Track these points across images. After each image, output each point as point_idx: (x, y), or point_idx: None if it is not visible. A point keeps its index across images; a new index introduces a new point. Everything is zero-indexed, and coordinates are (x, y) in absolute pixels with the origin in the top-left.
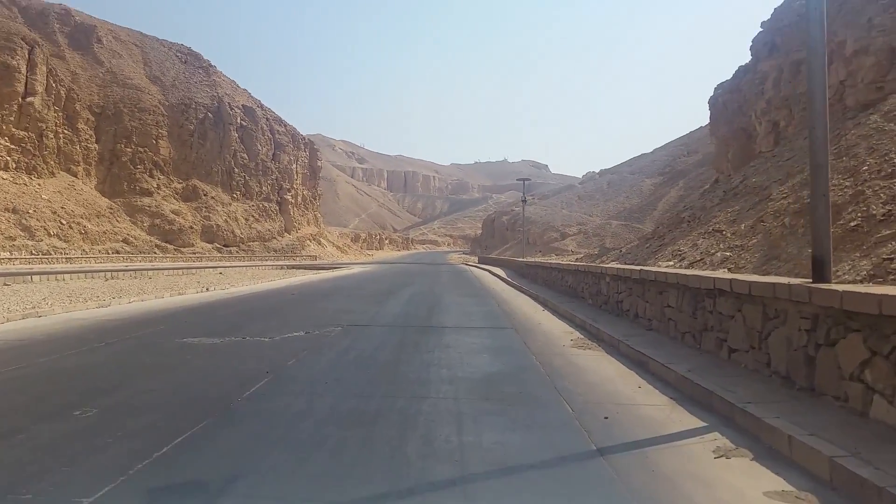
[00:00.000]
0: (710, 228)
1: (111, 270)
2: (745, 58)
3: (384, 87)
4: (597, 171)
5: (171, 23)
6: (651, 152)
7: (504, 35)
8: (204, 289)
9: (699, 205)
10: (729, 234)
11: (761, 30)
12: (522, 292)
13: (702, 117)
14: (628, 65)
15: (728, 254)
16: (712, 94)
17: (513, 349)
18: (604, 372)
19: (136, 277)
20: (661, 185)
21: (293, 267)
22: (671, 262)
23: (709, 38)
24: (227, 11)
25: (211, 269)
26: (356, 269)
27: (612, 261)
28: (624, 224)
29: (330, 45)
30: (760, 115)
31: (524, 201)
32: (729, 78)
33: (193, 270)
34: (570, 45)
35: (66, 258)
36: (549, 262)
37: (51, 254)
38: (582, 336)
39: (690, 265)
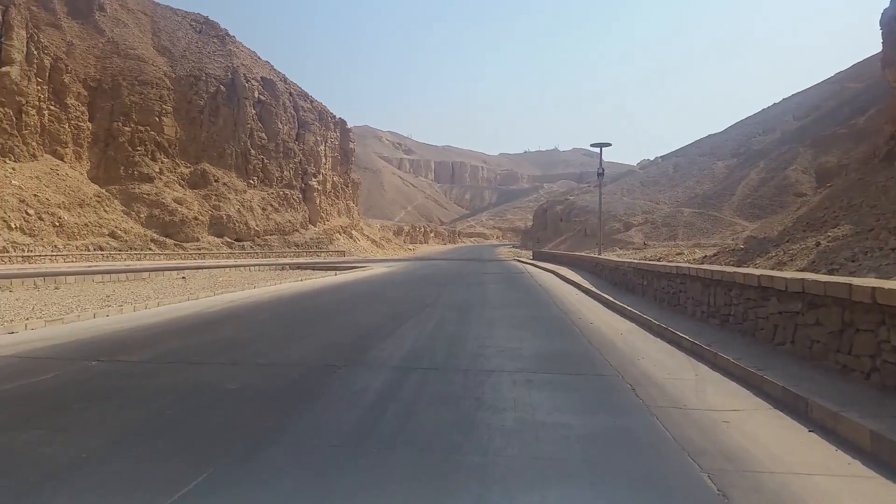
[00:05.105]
0: None
1: (14, 276)
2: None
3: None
4: (652, 157)
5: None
6: (721, 132)
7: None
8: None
9: None
10: None
11: None
12: (713, 367)
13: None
14: (691, 47)
15: None
16: (887, 7)
17: None
18: None
19: (35, 288)
20: (737, 167)
21: (300, 266)
22: None
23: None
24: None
25: (176, 272)
26: (375, 271)
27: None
28: (698, 212)
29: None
30: None
31: (601, 174)
32: None
33: (146, 275)
34: (624, 30)
35: (24, 257)
36: (750, 271)
37: (8, 251)
38: None
39: None
